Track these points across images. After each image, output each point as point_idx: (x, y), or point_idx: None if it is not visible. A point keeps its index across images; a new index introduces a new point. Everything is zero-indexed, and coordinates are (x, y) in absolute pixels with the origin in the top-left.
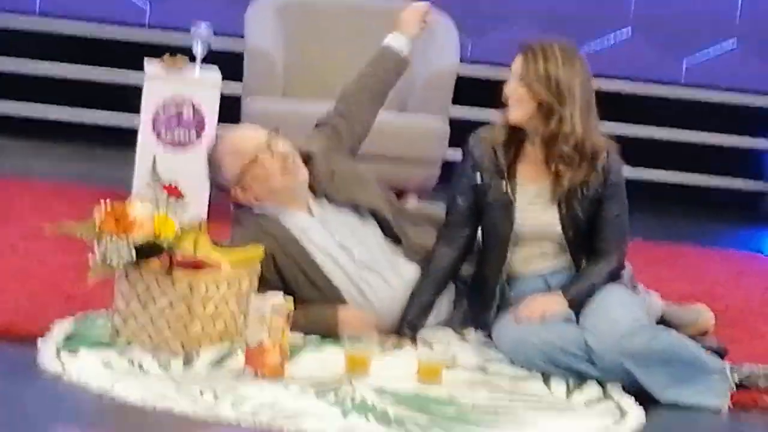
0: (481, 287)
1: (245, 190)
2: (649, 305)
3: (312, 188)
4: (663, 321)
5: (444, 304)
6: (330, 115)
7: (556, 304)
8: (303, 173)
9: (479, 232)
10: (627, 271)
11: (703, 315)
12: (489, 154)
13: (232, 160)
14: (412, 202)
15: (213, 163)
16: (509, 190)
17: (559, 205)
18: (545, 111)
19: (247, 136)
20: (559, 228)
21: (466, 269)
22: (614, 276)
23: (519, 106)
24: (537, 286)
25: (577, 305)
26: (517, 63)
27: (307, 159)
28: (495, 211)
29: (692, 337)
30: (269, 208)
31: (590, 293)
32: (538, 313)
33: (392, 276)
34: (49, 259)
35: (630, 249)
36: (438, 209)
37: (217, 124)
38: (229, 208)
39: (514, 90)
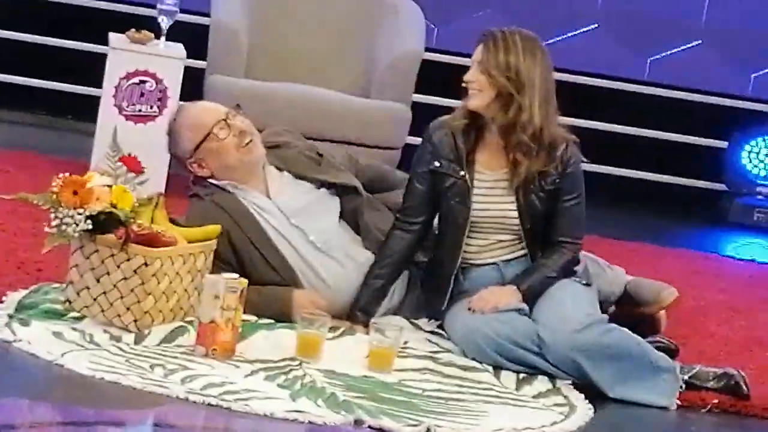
0: (436, 274)
1: (201, 164)
2: (612, 279)
3: (279, 168)
4: (625, 294)
5: (397, 291)
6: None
7: (510, 296)
8: (259, 151)
9: (436, 219)
10: (583, 265)
11: (666, 290)
12: (448, 140)
13: (189, 133)
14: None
15: (171, 135)
16: (467, 177)
17: (516, 195)
18: (504, 99)
19: (206, 109)
20: (516, 217)
21: (421, 256)
22: (569, 268)
23: (479, 94)
24: (491, 275)
25: (531, 297)
26: (478, 51)
27: (278, 146)
28: (452, 197)
29: (645, 334)
30: (227, 184)
31: (544, 286)
32: (491, 304)
33: (347, 259)
34: (5, 225)
35: (587, 245)
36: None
37: (180, 101)
38: (188, 184)
39: (474, 77)
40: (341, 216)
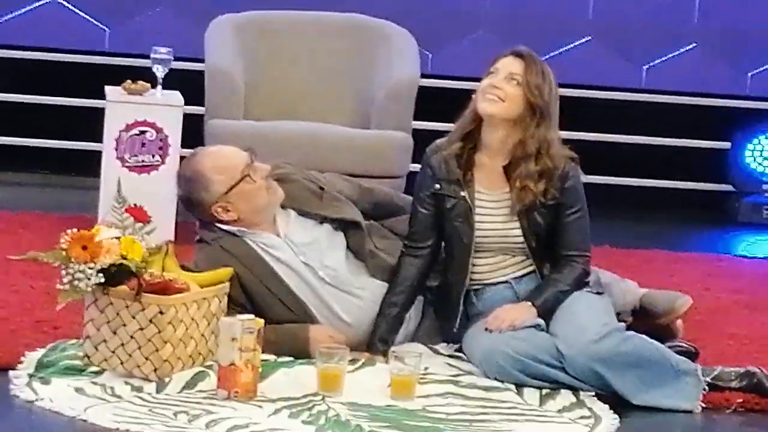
0: (446, 297)
1: (227, 207)
2: (626, 291)
3: (282, 206)
4: (641, 307)
5: (413, 317)
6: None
7: (525, 312)
8: (281, 192)
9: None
10: (594, 275)
11: (680, 298)
12: (445, 163)
13: (220, 176)
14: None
15: (197, 180)
16: (468, 197)
17: (519, 216)
18: (525, 121)
19: (234, 153)
20: (520, 236)
21: (433, 279)
22: (580, 281)
23: (500, 103)
24: (505, 294)
25: (546, 312)
26: (514, 63)
27: (279, 179)
28: (455, 218)
29: (663, 339)
30: (235, 228)
31: (558, 300)
32: (507, 322)
33: (358, 292)
34: (18, 286)
35: (598, 256)
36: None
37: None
38: (195, 230)
39: (504, 86)
40: (347, 249)
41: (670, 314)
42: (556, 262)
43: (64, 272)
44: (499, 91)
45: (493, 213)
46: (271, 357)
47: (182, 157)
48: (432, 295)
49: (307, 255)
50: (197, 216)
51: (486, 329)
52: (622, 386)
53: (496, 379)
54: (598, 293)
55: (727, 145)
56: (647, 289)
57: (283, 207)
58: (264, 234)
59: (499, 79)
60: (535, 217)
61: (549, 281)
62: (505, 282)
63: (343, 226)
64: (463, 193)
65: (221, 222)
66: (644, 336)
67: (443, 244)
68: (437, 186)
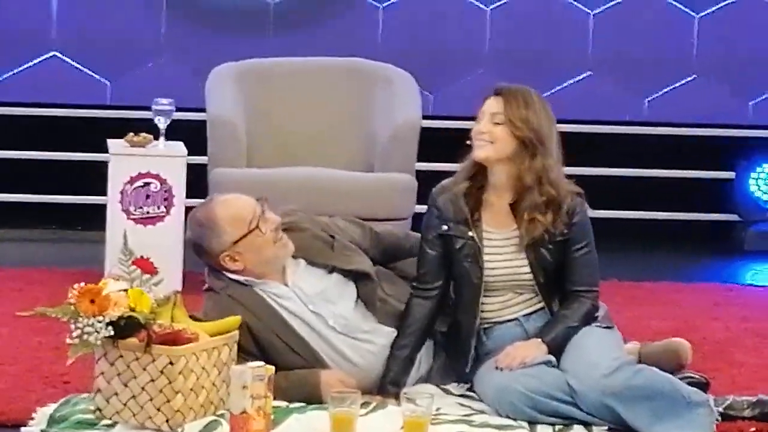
0: (457, 337)
1: (235, 258)
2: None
3: (293, 255)
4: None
5: (424, 359)
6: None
7: (535, 349)
8: (291, 247)
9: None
10: (603, 309)
11: (681, 348)
12: (452, 203)
13: (230, 227)
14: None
15: (208, 227)
16: (476, 237)
17: (527, 251)
18: (521, 155)
19: (244, 204)
20: (528, 273)
21: (442, 322)
22: (589, 316)
23: (489, 146)
24: (514, 332)
25: (556, 349)
26: (493, 103)
27: (290, 228)
28: (464, 259)
29: (673, 371)
30: (243, 278)
31: (568, 336)
32: (518, 360)
33: (370, 337)
34: (27, 342)
35: (606, 290)
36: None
37: (186, 197)
38: (203, 279)
39: (487, 128)
40: (358, 298)
41: (673, 360)
42: (564, 298)
43: (73, 326)
44: (485, 134)
45: (501, 252)
46: (283, 403)
47: (188, 208)
48: (442, 337)
49: (316, 304)
50: (205, 262)
51: (497, 367)
52: (634, 419)
53: (508, 416)
54: (607, 327)
55: (731, 174)
56: (640, 345)
57: (293, 256)
58: (272, 283)
59: (484, 123)
60: (543, 253)
61: (558, 317)
62: (515, 320)
63: (354, 275)
64: (471, 233)
65: (228, 270)
66: (655, 369)
67: (452, 284)
68: (445, 227)
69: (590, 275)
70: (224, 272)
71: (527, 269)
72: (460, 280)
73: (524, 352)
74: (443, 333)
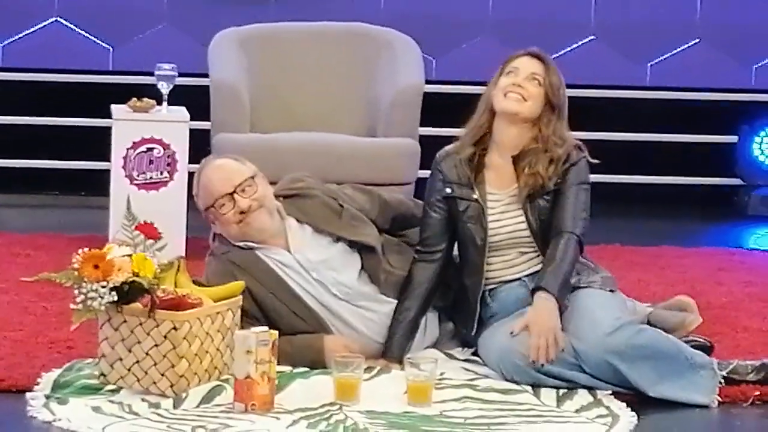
0: (462, 300)
1: (211, 220)
2: (632, 309)
3: (299, 221)
4: (649, 324)
5: (429, 330)
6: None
7: (554, 316)
8: (257, 225)
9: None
10: (607, 274)
11: (689, 318)
12: (456, 167)
13: (201, 193)
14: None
15: (194, 184)
16: (480, 199)
17: (524, 206)
18: (546, 115)
19: (220, 178)
20: (526, 229)
21: (444, 297)
22: (579, 248)
23: (525, 103)
24: (518, 292)
25: (564, 293)
26: (533, 64)
27: (298, 195)
28: (468, 221)
29: (678, 333)
30: (243, 243)
31: (567, 276)
32: (552, 332)
33: (373, 306)
34: (32, 308)
35: (608, 254)
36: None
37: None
38: (207, 245)
39: (528, 85)
40: (362, 269)
41: (679, 330)
42: (553, 237)
43: (77, 292)
44: (523, 90)
45: (504, 210)
46: (287, 368)
47: (191, 173)
48: (446, 303)
49: (319, 271)
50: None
51: (532, 361)
52: (637, 378)
53: (512, 380)
54: (611, 291)
55: (734, 138)
56: (653, 308)
57: (299, 222)
58: (274, 249)
59: (521, 78)
60: (540, 205)
61: (550, 260)
62: (519, 279)
63: (359, 246)
64: (474, 195)
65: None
66: (657, 329)
67: (457, 247)
68: (448, 190)
69: (577, 210)
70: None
71: (525, 225)
72: (464, 242)
73: (548, 324)
74: (449, 301)
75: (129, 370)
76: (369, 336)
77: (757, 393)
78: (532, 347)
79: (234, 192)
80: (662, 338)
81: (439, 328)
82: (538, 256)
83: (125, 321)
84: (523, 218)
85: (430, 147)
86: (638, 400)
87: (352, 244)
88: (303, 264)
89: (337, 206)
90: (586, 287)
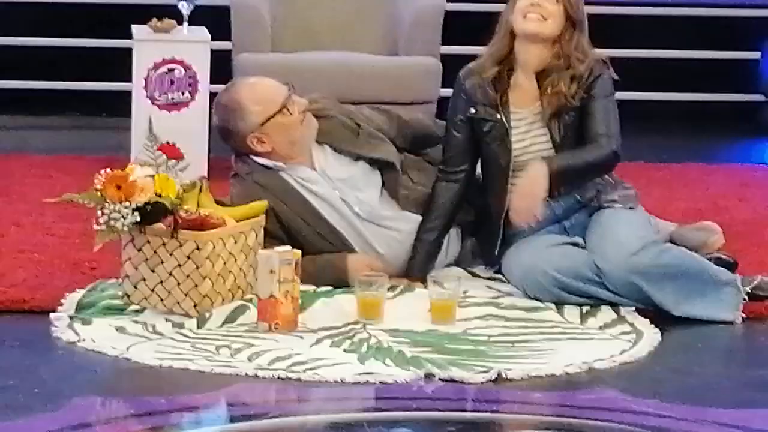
0: (486, 220)
1: (262, 138)
2: (655, 229)
3: (318, 141)
4: (671, 242)
5: (452, 246)
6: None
7: (541, 181)
8: (315, 123)
9: (479, 166)
10: (628, 191)
11: (712, 237)
12: (480, 86)
13: (258, 107)
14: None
15: (234, 109)
16: (504, 119)
17: (549, 124)
18: (568, 30)
19: (274, 85)
20: (551, 150)
21: (467, 212)
22: (607, 164)
23: (545, 22)
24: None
25: (560, 174)
26: None
27: (317, 114)
28: (492, 141)
29: (701, 252)
30: (271, 162)
31: (574, 167)
32: (531, 207)
33: (396, 225)
34: (54, 229)
35: (632, 172)
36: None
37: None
38: (229, 165)
39: (545, 4)
40: (383, 187)
41: (702, 249)
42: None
43: (99, 213)
44: (542, 9)
45: (528, 129)
46: (310, 287)
47: (212, 94)
48: (469, 224)
49: (342, 190)
50: (232, 146)
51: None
52: (662, 298)
53: (535, 297)
54: (631, 209)
55: (756, 54)
56: (676, 226)
57: (318, 143)
58: (300, 168)
59: (545, 1)
60: (564, 119)
61: (574, 151)
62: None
63: (379, 164)
64: (499, 116)
65: (255, 153)
66: (683, 248)
67: (480, 167)
68: (473, 110)
69: (608, 123)
70: (251, 157)
71: (550, 144)
72: (488, 162)
73: (530, 191)
74: (470, 221)
75: (152, 290)
76: (391, 258)
77: None
78: (512, 209)
79: (290, 95)
80: (686, 257)
81: (460, 244)
82: None
83: (148, 241)
84: (547, 136)
85: (451, 65)
86: (662, 317)
87: (372, 163)
88: (328, 181)
89: (354, 126)
90: (608, 207)
